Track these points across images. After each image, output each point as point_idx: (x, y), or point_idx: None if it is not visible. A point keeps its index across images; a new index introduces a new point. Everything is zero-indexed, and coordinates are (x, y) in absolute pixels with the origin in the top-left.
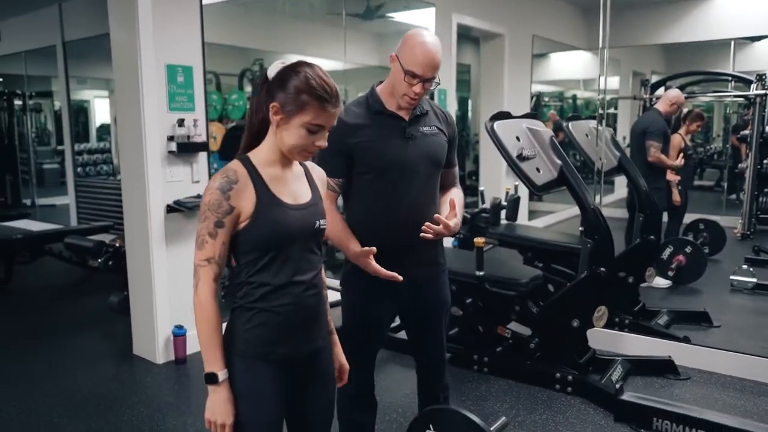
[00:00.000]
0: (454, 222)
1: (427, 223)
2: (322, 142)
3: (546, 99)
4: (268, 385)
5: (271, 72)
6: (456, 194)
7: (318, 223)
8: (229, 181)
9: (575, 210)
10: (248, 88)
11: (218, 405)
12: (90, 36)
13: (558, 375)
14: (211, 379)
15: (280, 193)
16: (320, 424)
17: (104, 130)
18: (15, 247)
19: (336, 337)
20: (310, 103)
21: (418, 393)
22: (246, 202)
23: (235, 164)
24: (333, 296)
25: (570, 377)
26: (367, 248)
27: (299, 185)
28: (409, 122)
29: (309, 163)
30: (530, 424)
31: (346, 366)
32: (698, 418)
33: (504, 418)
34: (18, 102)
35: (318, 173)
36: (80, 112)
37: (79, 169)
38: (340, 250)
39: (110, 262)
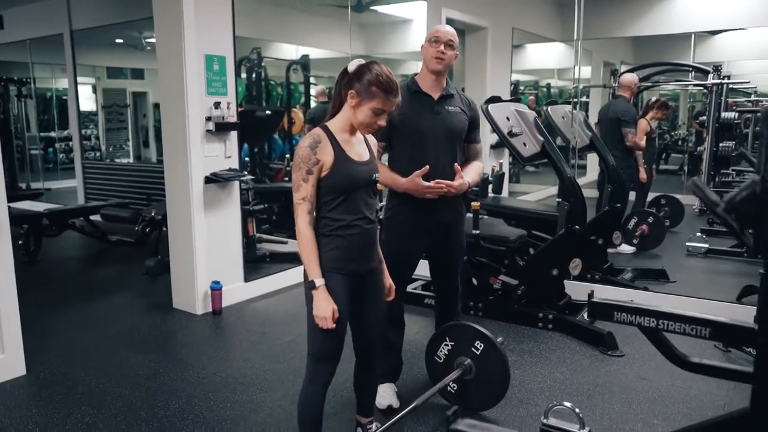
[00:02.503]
0: (458, 183)
1: (434, 182)
2: (383, 122)
3: (522, 87)
4: (340, 289)
5: (351, 67)
6: (474, 165)
7: (375, 175)
8: (315, 141)
9: (548, 191)
10: (243, 75)
11: (320, 303)
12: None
13: (540, 315)
14: (312, 285)
15: (350, 152)
16: (374, 324)
17: (84, 117)
18: (44, 221)
19: (384, 265)
20: (378, 94)
21: (435, 318)
22: (327, 157)
23: (318, 130)
24: None
25: (550, 316)
26: (415, 173)
27: (361, 147)
28: (437, 101)
29: None
30: (519, 351)
31: (393, 285)
32: (647, 309)
33: (501, 337)
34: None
35: (372, 139)
36: (64, 100)
37: (62, 156)
38: (390, 187)
39: (147, 229)
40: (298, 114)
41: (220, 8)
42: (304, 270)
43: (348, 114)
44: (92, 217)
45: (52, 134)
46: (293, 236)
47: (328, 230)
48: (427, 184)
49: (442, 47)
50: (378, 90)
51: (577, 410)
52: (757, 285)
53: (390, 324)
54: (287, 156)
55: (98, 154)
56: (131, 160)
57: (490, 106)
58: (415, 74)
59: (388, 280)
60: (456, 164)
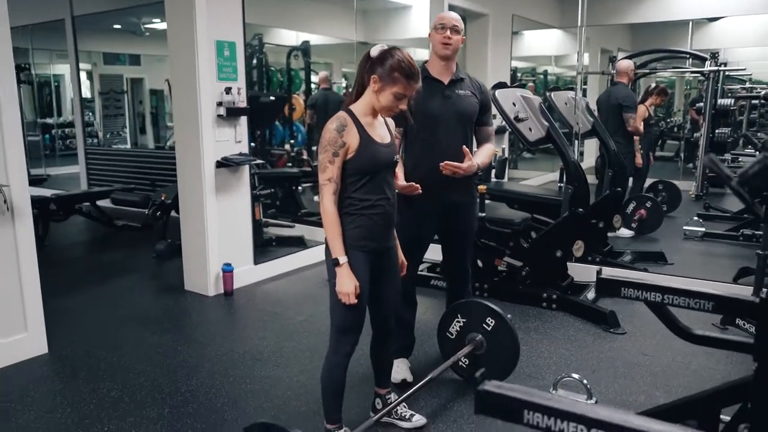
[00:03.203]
0: (467, 164)
1: (442, 164)
2: (404, 106)
3: (520, 75)
4: (361, 265)
5: (374, 52)
6: (486, 147)
7: (396, 157)
8: (342, 125)
9: (545, 177)
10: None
11: (343, 279)
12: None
13: (545, 295)
14: (336, 262)
15: (373, 134)
16: (391, 299)
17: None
18: (52, 206)
19: (398, 242)
20: (400, 79)
21: (447, 297)
22: (352, 140)
23: (343, 114)
24: None
25: (554, 296)
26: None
27: (383, 130)
28: (447, 85)
29: None
30: (525, 330)
31: (405, 261)
32: (653, 284)
33: (510, 315)
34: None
35: (391, 123)
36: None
37: (59, 142)
38: None
39: (158, 213)
40: (298, 100)
41: None
42: (326, 247)
43: (370, 98)
44: (100, 202)
45: (49, 121)
46: (298, 221)
47: (353, 209)
48: (406, 184)
49: (447, 32)
50: (400, 75)
51: (584, 381)
52: (752, 267)
53: (403, 302)
54: (291, 142)
55: (96, 140)
56: (128, 146)
57: (497, 92)
58: (425, 61)
59: (401, 256)
60: (464, 146)
